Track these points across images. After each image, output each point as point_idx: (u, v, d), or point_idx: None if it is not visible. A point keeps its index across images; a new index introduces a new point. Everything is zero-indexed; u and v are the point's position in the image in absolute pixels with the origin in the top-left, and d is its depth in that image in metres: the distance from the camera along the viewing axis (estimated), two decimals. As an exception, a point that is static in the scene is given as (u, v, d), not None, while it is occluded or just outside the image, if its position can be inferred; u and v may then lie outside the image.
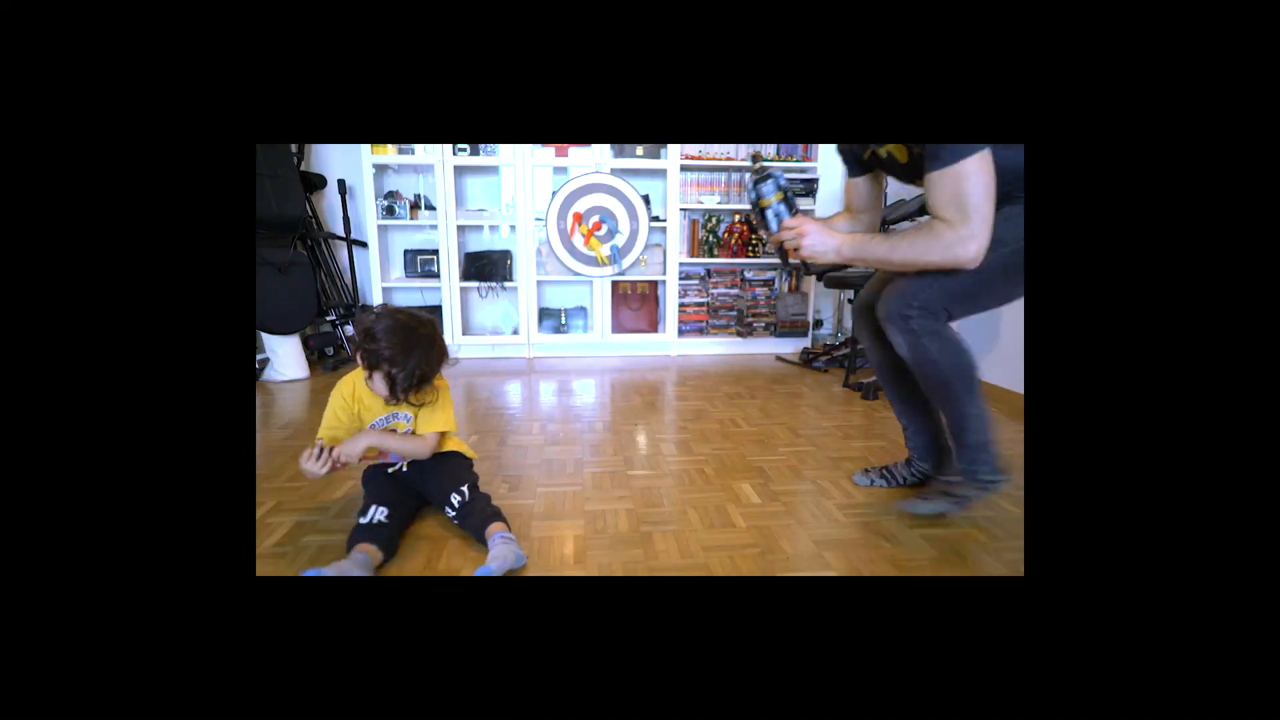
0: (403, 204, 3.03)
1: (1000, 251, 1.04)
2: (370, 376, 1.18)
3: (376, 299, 3.08)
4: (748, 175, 1.13)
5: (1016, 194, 1.07)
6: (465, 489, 1.24)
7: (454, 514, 1.23)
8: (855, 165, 1.31)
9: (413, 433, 1.28)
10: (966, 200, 0.99)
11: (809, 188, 3.28)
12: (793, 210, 1.15)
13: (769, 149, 3.33)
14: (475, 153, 2.98)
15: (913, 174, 1.15)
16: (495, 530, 1.14)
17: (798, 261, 1.15)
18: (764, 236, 1.14)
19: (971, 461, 1.23)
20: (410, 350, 1.13)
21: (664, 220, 3.16)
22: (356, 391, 1.23)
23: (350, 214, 3.11)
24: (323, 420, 1.23)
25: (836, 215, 1.39)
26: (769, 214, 1.13)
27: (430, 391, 1.24)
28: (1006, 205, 1.06)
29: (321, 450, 1.15)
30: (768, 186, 1.12)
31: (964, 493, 1.24)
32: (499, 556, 1.06)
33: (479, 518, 1.19)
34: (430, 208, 3.12)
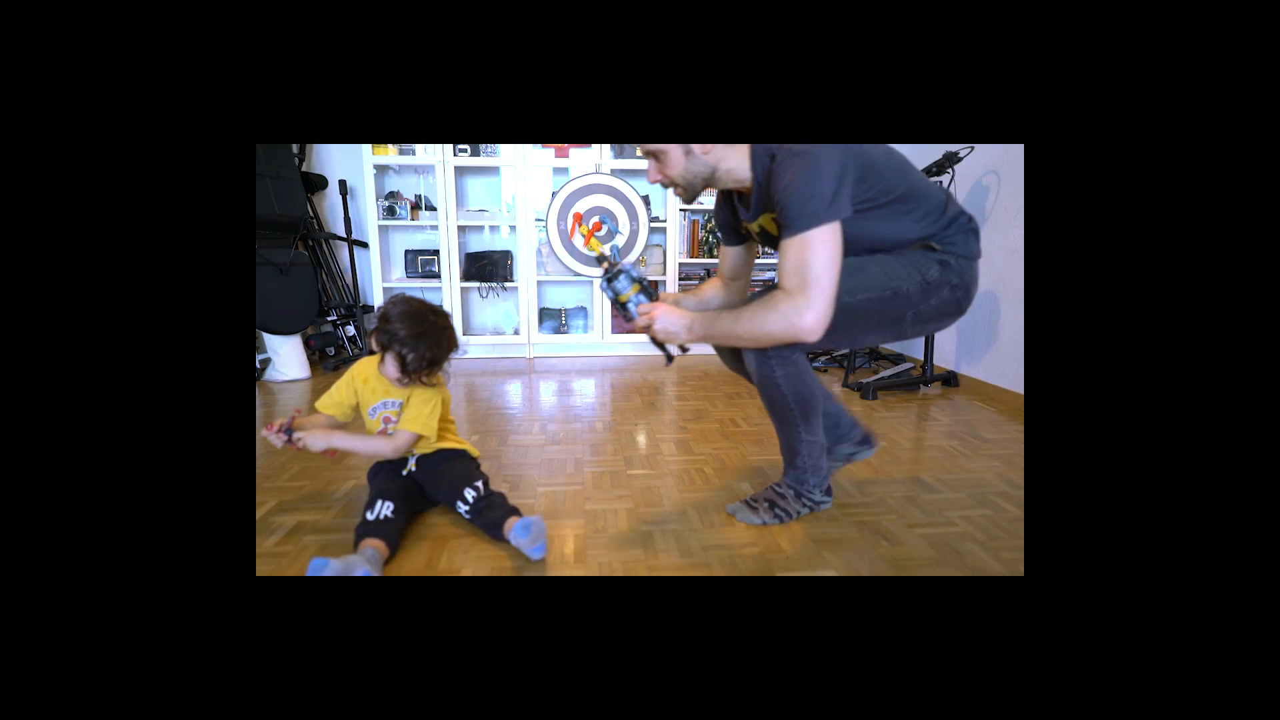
0: (403, 204, 3.03)
1: (842, 301, 1.04)
2: (383, 359, 1.24)
3: (377, 299, 3.09)
4: (601, 278, 1.16)
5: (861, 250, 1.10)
6: (480, 485, 1.27)
7: (467, 509, 1.24)
8: (732, 235, 1.33)
9: (389, 429, 1.30)
10: (808, 270, 0.99)
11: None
12: (651, 297, 1.17)
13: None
14: (475, 153, 2.98)
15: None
16: (515, 521, 1.15)
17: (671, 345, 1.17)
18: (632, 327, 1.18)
19: (799, 481, 1.29)
20: (422, 334, 1.18)
21: (664, 220, 3.16)
22: (364, 373, 1.29)
23: (351, 214, 3.11)
24: (327, 393, 1.30)
25: (707, 283, 1.42)
26: (630, 306, 1.16)
27: (428, 388, 1.28)
28: (851, 257, 1.07)
29: (284, 428, 1.24)
30: (622, 282, 1.14)
31: (790, 507, 1.29)
32: (536, 531, 1.11)
33: (498, 512, 1.21)
34: (431, 208, 3.12)
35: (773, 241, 1.18)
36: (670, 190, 1.17)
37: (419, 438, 1.28)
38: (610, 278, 1.15)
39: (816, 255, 0.98)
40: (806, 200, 0.98)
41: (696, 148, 1.09)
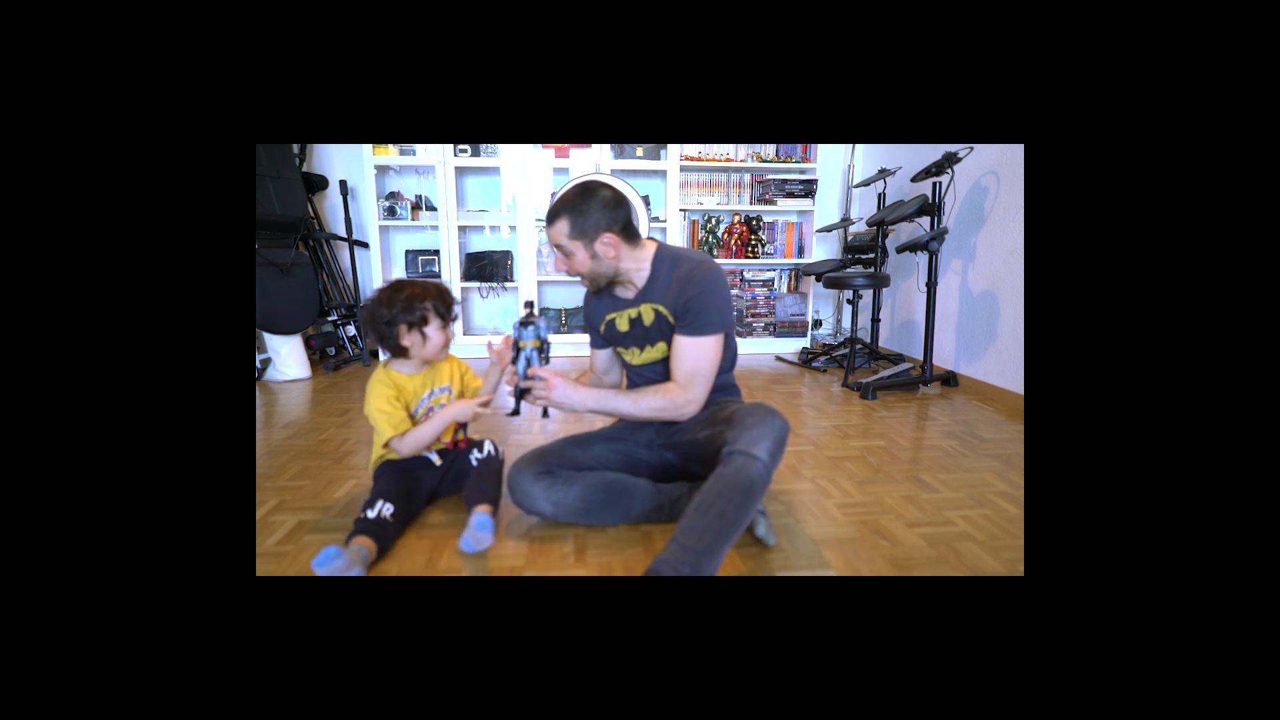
0: (404, 205, 3.04)
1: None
2: (391, 357, 1.31)
3: (377, 299, 3.09)
4: (516, 320, 1.26)
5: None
6: (493, 446, 1.40)
7: (481, 457, 1.38)
8: (596, 337, 1.45)
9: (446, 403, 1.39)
10: (700, 371, 1.21)
11: (808, 188, 3.29)
12: (544, 359, 1.26)
13: (769, 149, 3.34)
14: (476, 153, 2.99)
15: (634, 339, 1.32)
16: (477, 513, 1.21)
17: (539, 405, 1.24)
18: (514, 372, 1.25)
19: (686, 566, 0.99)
20: (391, 300, 1.27)
21: (664, 220, 3.16)
22: (394, 380, 1.32)
23: (352, 214, 3.11)
24: (379, 426, 1.28)
25: (583, 374, 1.49)
26: (522, 355, 1.24)
27: (461, 365, 1.45)
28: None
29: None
30: (529, 332, 1.23)
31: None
32: (475, 538, 1.16)
33: (487, 487, 1.29)
34: (431, 208, 3.12)
35: (634, 333, 1.31)
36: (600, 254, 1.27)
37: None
38: (524, 323, 1.23)
39: (709, 357, 1.22)
40: (715, 311, 1.21)
41: (601, 250, 1.22)
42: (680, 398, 1.22)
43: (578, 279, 1.31)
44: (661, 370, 1.33)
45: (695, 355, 1.22)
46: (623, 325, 1.34)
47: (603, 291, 1.36)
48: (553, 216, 1.23)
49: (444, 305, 1.30)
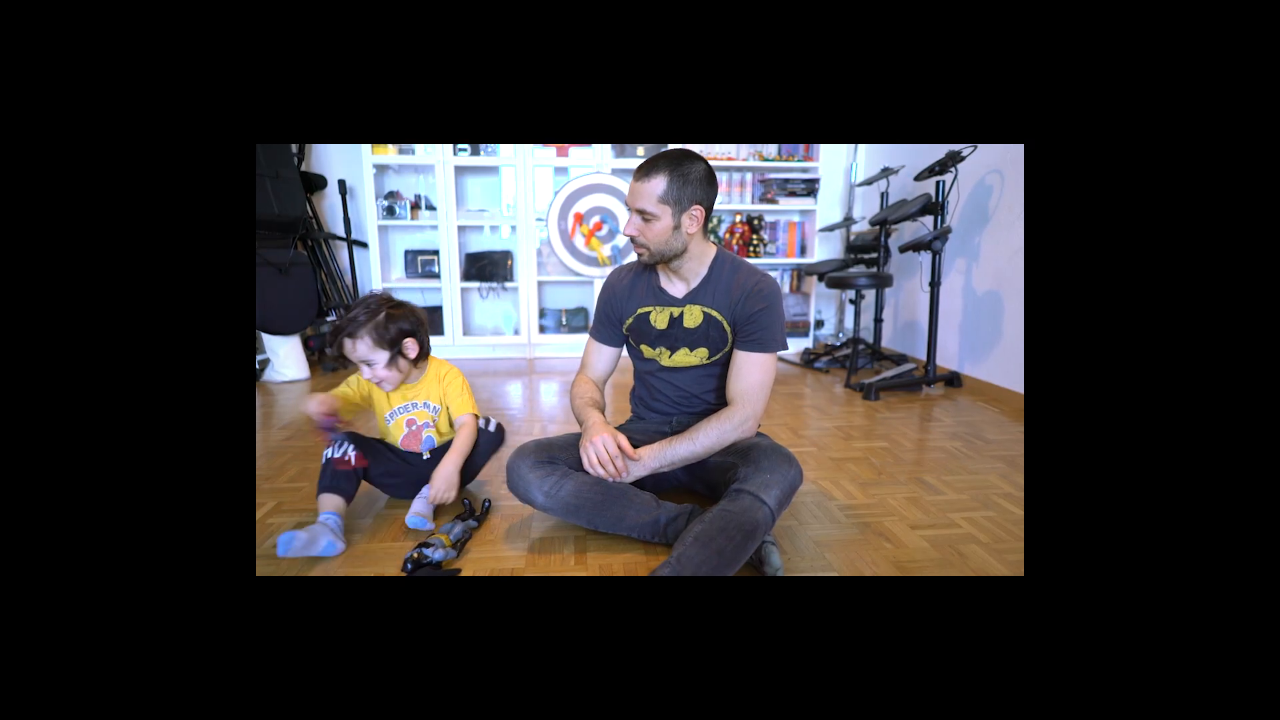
0: (403, 204, 3.03)
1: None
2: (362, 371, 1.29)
3: (377, 299, 3.08)
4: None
5: None
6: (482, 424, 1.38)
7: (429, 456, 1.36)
8: (618, 332, 1.36)
9: (433, 424, 1.38)
10: (762, 387, 1.22)
11: (811, 187, 3.28)
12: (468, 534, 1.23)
13: (770, 148, 3.33)
14: (476, 153, 2.98)
15: (667, 340, 1.29)
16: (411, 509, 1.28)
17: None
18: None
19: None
20: (345, 323, 1.24)
21: (665, 220, 3.15)
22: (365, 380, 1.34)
23: (351, 214, 3.10)
24: (342, 384, 1.35)
25: (585, 390, 1.34)
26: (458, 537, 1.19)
27: (450, 374, 1.38)
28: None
29: (336, 433, 1.27)
30: (438, 553, 1.14)
31: None
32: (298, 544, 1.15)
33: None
34: (431, 208, 3.12)
35: (671, 333, 1.27)
36: (634, 241, 1.22)
37: (475, 415, 1.38)
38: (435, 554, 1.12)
39: (770, 372, 1.23)
40: (778, 327, 1.22)
41: (686, 222, 1.16)
42: (739, 415, 1.20)
43: (593, 270, 1.28)
44: (695, 377, 1.29)
45: (757, 371, 1.21)
46: (660, 322, 1.28)
47: (641, 279, 1.30)
48: (649, 170, 1.13)
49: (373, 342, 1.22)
